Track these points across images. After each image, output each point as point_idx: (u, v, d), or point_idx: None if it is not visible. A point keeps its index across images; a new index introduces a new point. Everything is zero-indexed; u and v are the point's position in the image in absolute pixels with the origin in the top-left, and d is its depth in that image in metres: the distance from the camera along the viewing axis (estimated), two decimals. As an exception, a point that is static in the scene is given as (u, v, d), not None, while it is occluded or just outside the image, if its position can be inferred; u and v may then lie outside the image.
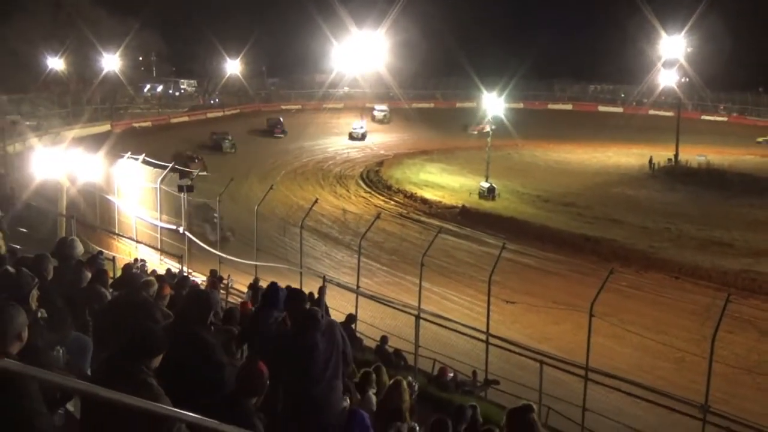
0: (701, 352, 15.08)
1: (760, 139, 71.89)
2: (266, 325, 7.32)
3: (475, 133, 65.50)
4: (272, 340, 6.90)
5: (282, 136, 63.60)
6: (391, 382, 8.29)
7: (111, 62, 75.18)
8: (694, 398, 14.94)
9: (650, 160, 57.44)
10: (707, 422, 14.48)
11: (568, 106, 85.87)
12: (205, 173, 40.32)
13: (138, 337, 5.00)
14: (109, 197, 27.55)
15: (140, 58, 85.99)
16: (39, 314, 6.37)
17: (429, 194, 46.40)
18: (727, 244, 35.86)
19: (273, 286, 8.10)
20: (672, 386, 15.94)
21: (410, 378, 10.29)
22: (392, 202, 44.65)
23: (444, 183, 50.05)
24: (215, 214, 32.59)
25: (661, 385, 16.07)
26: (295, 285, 20.16)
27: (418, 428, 7.64)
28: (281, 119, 66.27)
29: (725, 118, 78.59)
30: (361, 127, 68.95)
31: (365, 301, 20.53)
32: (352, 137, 68.03)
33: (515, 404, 6.18)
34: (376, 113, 75.03)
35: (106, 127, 62.23)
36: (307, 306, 7.50)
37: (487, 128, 54.98)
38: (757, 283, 28.99)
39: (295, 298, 7.48)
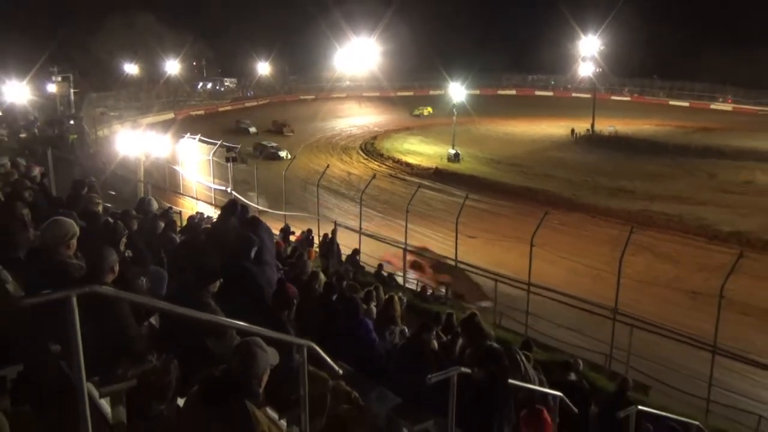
0: (612, 270, 15.15)
1: (416, 112, 70.76)
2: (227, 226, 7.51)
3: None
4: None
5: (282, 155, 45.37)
6: (386, 297, 8.35)
7: (172, 66, 75.03)
8: (607, 304, 15.11)
9: (572, 131, 57.26)
10: (617, 321, 14.67)
11: (512, 92, 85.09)
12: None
13: (200, 269, 5.01)
14: (175, 167, 27.45)
15: (194, 63, 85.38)
16: (126, 254, 6.39)
17: (411, 159, 46.25)
18: (630, 191, 35.98)
19: (233, 201, 8.43)
20: (591, 295, 16.06)
21: (400, 294, 10.35)
22: (384, 166, 44.50)
23: (422, 151, 49.85)
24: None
25: (584, 294, 16.19)
26: (314, 229, 20.31)
27: (406, 330, 7.71)
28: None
29: (628, 98, 78.31)
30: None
31: (366, 239, 20.61)
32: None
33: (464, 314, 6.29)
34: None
35: (171, 115, 61.74)
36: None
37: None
38: (653, 219, 29.21)
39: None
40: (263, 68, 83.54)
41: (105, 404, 4.24)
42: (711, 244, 24.82)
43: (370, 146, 51.92)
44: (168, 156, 28.23)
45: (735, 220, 29.24)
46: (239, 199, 24.38)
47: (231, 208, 7.72)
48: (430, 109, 70.69)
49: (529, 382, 6.18)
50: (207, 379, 3.16)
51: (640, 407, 7.58)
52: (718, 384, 13.16)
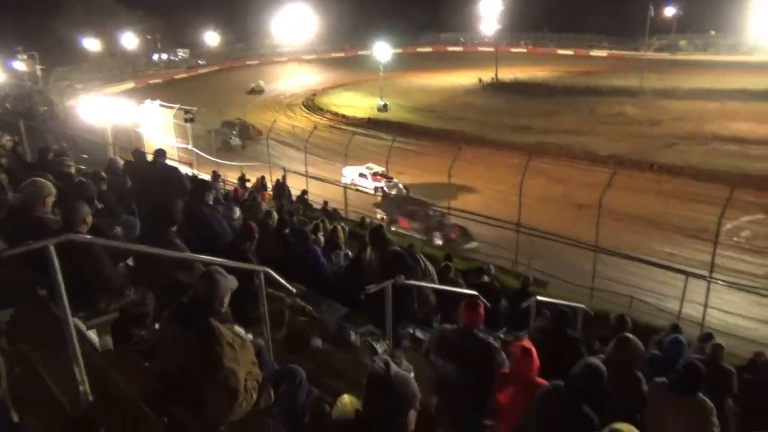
0: (516, 193, 15.59)
1: (253, 86, 57.51)
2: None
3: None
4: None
5: None
6: (331, 227, 8.37)
7: (128, 40, 70.41)
8: (513, 219, 15.63)
9: (480, 80, 57.18)
10: (520, 232, 15.22)
11: (429, 49, 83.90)
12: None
13: (163, 213, 4.88)
14: (138, 129, 26.22)
15: (148, 36, 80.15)
16: (99, 207, 6.15)
17: (346, 111, 45.43)
18: (528, 128, 36.45)
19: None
20: (500, 213, 16.55)
21: (343, 224, 10.38)
22: (324, 119, 43.60)
23: (355, 103, 48.91)
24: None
25: (494, 213, 16.67)
26: (267, 175, 19.95)
27: (350, 253, 7.78)
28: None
29: (525, 50, 78.55)
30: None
31: (312, 181, 20.44)
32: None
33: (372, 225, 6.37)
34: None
35: (131, 85, 58.28)
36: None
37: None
38: (546, 149, 29.86)
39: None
40: (212, 38, 79.70)
41: (92, 335, 4.19)
42: (592, 166, 25.60)
43: (310, 102, 50.49)
44: (132, 121, 26.86)
45: (610, 145, 30.31)
46: (200, 154, 23.75)
47: (161, 154, 7.66)
48: (263, 85, 58.63)
49: (429, 276, 6.34)
50: (177, 304, 3.16)
51: (538, 298, 8.00)
52: (600, 275, 13.96)
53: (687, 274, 12.24)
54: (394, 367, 2.15)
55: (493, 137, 33.62)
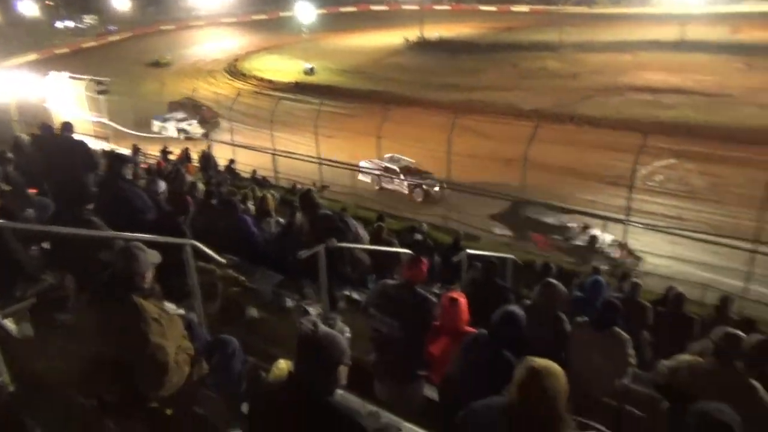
0: (445, 150, 15.82)
1: (157, 58, 51.94)
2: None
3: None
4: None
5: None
6: (261, 195, 8.23)
7: (27, 7, 64.82)
8: (442, 175, 15.90)
9: (406, 39, 56.76)
10: (444, 188, 15.50)
11: (353, 8, 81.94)
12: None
13: (76, 191, 4.64)
14: (45, 104, 24.42)
15: (49, 2, 73.57)
16: (6, 188, 5.79)
17: (271, 76, 44.02)
18: (455, 86, 36.59)
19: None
20: (432, 170, 16.76)
21: (273, 192, 10.24)
22: (248, 84, 42.10)
23: (281, 68, 47.38)
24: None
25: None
26: (190, 146, 19.26)
27: (281, 219, 7.70)
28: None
29: (449, 7, 78.28)
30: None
31: (239, 149, 19.91)
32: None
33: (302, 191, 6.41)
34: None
35: (34, 56, 53.78)
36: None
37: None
38: (473, 106, 30.10)
39: None
40: (121, 2, 74.36)
41: (9, 323, 3.99)
42: (517, 120, 26.02)
43: (233, 68, 48.46)
44: (38, 95, 24.95)
45: (533, 99, 31.10)
46: (119, 128, 22.50)
47: (67, 128, 7.30)
48: (168, 58, 53.16)
49: (360, 239, 6.42)
50: (96, 283, 3.05)
51: (468, 251, 8.26)
52: (528, 226, 14.55)
53: (606, 219, 12.98)
54: (322, 327, 2.18)
55: (421, 96, 33.61)
